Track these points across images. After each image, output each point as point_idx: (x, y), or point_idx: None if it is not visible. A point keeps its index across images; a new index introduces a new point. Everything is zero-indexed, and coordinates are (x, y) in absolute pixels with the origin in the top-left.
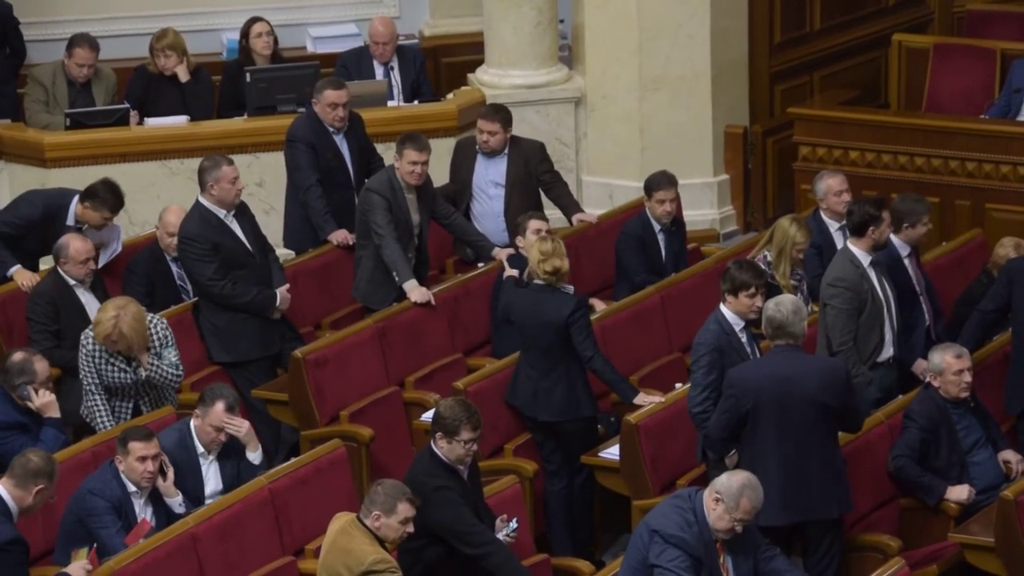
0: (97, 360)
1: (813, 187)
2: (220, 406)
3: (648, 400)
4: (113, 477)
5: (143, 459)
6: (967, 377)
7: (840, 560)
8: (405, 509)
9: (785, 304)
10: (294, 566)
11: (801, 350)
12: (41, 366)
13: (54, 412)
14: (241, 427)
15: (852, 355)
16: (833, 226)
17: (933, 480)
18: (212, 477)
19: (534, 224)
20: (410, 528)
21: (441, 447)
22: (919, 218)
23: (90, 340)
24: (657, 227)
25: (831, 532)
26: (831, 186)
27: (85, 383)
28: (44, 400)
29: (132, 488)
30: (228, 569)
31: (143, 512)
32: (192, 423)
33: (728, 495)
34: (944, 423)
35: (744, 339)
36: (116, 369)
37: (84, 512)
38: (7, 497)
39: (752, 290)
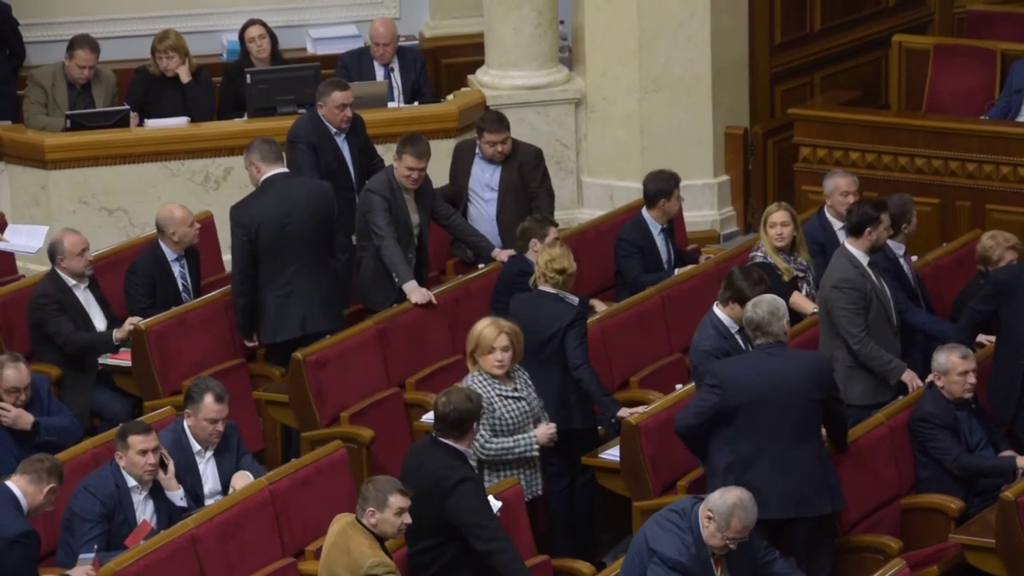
0: (493, 399)
1: (823, 183)
2: (209, 398)
3: (630, 413)
4: (111, 474)
5: (143, 452)
6: (972, 378)
7: (832, 560)
8: (397, 501)
9: (761, 305)
10: (294, 567)
11: (785, 346)
12: (8, 372)
13: None
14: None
15: (874, 345)
16: (837, 225)
17: (996, 459)
18: (210, 475)
19: (554, 232)
20: (407, 519)
21: (451, 439)
22: (912, 213)
23: (480, 377)
24: (656, 229)
25: (823, 529)
26: (839, 185)
27: (487, 444)
28: None
29: (132, 483)
30: (228, 570)
31: (143, 507)
32: (185, 423)
33: (719, 514)
34: (955, 420)
35: (740, 341)
36: (510, 400)
37: (74, 507)
38: (19, 494)
39: None
